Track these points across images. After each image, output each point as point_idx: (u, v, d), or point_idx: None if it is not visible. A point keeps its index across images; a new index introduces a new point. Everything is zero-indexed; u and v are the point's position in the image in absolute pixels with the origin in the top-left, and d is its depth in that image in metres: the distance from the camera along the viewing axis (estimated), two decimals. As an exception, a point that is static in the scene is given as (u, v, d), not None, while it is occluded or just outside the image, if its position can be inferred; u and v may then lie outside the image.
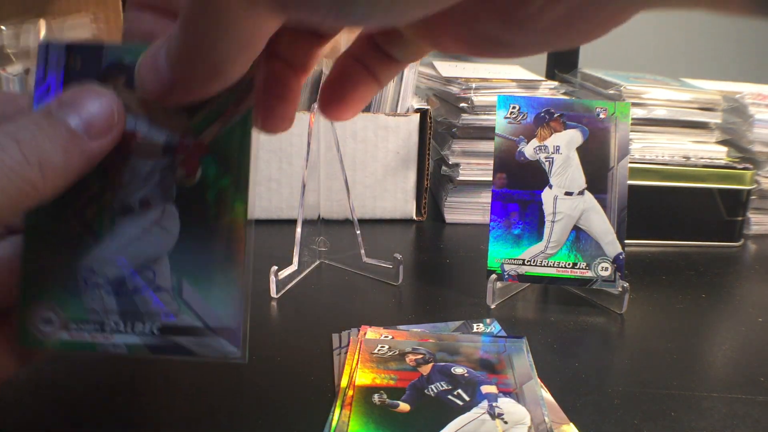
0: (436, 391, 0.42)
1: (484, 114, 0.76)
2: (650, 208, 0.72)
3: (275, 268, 0.56)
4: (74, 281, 0.31)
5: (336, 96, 0.32)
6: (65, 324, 0.31)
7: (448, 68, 0.88)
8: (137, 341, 0.31)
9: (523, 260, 0.56)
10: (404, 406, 0.40)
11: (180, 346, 0.31)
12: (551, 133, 0.56)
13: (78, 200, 0.31)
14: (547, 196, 0.56)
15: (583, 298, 0.58)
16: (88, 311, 0.31)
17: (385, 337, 0.48)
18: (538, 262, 0.56)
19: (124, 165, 0.31)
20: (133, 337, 0.31)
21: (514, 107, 0.57)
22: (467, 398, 0.41)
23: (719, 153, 0.77)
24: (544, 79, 0.82)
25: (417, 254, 0.70)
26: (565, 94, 0.84)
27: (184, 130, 0.31)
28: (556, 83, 0.82)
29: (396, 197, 0.78)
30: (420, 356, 0.45)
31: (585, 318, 0.55)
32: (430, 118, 0.76)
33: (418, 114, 0.76)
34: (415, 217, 0.79)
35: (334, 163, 0.60)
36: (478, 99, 0.76)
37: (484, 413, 0.40)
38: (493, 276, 0.56)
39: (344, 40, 0.83)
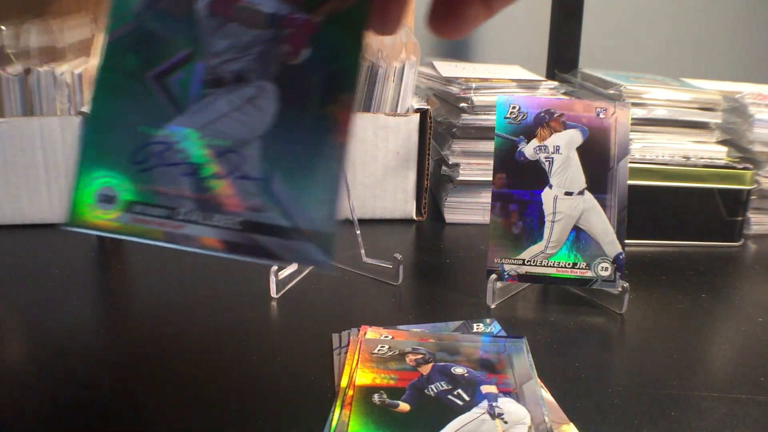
0: (436, 391, 0.42)
1: (484, 114, 0.76)
2: (650, 208, 0.72)
3: (275, 268, 0.56)
4: (146, 155, 0.27)
5: (449, 11, 0.29)
6: (129, 205, 0.27)
7: (448, 68, 0.88)
8: (212, 235, 0.27)
9: (523, 260, 0.56)
10: (404, 406, 0.40)
11: (261, 247, 0.27)
12: (551, 133, 0.56)
13: (163, 61, 0.27)
14: (547, 196, 0.56)
15: (583, 298, 0.58)
16: (157, 193, 0.27)
17: (385, 337, 0.48)
18: (538, 262, 0.56)
19: (222, 30, 0.27)
20: (208, 230, 0.27)
21: (514, 107, 0.57)
22: (467, 398, 0.41)
23: (719, 153, 0.77)
24: (544, 79, 0.82)
25: (417, 254, 0.70)
26: (565, 94, 0.84)
27: (296, 2, 0.27)
28: (556, 83, 0.82)
29: (396, 197, 0.78)
30: (420, 356, 0.45)
31: (585, 318, 0.55)
32: (430, 118, 0.76)
33: (418, 114, 0.76)
34: (415, 217, 0.79)
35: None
36: (478, 99, 0.76)
37: (484, 413, 0.40)
38: (493, 276, 0.56)
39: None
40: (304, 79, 0.27)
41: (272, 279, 0.56)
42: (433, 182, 0.85)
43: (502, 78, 0.81)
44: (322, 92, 0.27)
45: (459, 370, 0.44)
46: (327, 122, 0.27)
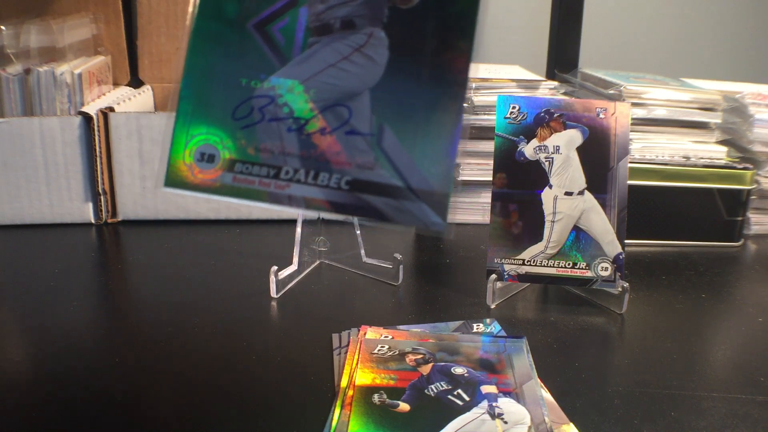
0: (436, 391, 0.42)
1: (484, 114, 0.76)
2: (650, 208, 0.72)
3: (275, 268, 0.56)
4: (248, 110, 0.25)
5: None
6: (230, 164, 0.25)
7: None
8: (318, 195, 0.25)
9: (523, 260, 0.56)
10: (404, 406, 0.40)
11: (371, 207, 0.25)
12: (551, 133, 0.56)
13: (265, 7, 0.25)
14: (547, 196, 0.56)
15: (583, 298, 0.58)
16: (260, 151, 0.25)
17: (385, 337, 0.48)
18: (538, 262, 0.56)
19: None
20: (313, 190, 0.25)
21: (514, 107, 0.57)
22: (467, 398, 0.41)
23: (719, 153, 0.77)
24: (544, 79, 0.82)
25: (417, 254, 0.70)
26: (565, 94, 0.83)
27: None
28: (556, 83, 0.82)
29: (396, 197, 0.78)
30: (420, 356, 0.45)
31: (585, 318, 0.55)
32: (430, 118, 0.76)
33: (418, 114, 0.76)
34: (415, 217, 0.79)
35: (335, 163, 0.60)
36: (478, 99, 0.75)
37: (484, 413, 0.40)
38: (493, 276, 0.56)
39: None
40: (417, 24, 0.25)
41: (272, 279, 0.56)
42: (433, 182, 0.85)
43: (502, 78, 0.81)
44: (436, 39, 0.25)
45: (459, 370, 0.44)
46: (443, 72, 0.25)
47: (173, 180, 0.26)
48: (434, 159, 0.25)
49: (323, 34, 0.25)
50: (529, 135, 0.56)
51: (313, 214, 0.62)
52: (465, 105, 0.25)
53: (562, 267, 0.56)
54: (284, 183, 0.25)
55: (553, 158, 0.56)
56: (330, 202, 0.25)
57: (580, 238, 0.56)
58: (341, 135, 0.25)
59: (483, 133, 0.76)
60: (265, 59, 0.25)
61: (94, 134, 0.71)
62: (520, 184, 0.56)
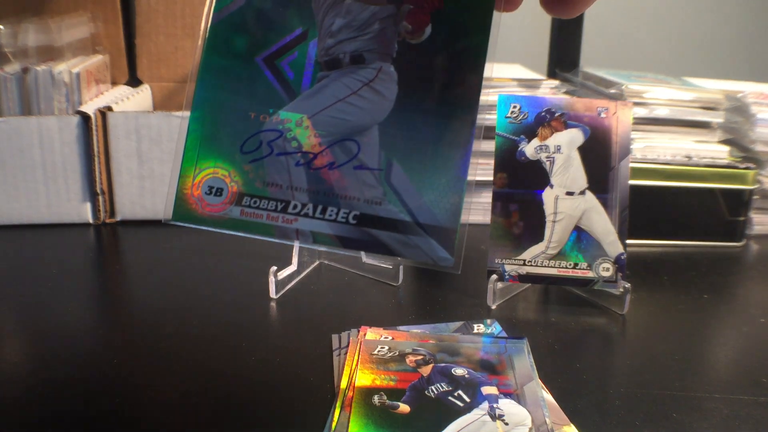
0: (436, 392, 0.41)
1: (485, 113, 0.75)
2: (652, 208, 0.72)
3: (274, 268, 0.56)
4: (256, 144, 0.25)
5: None
6: (238, 197, 0.25)
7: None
8: (326, 230, 0.25)
9: (524, 260, 0.56)
10: (404, 408, 0.40)
11: (379, 242, 0.25)
12: (552, 133, 0.56)
13: (274, 42, 0.25)
14: (548, 195, 0.56)
15: (584, 299, 0.58)
16: (268, 185, 0.25)
17: (385, 338, 0.48)
18: (539, 262, 0.56)
19: (338, 8, 0.25)
20: (322, 224, 0.25)
21: (514, 106, 0.56)
22: (468, 399, 0.41)
23: (721, 152, 0.76)
24: (545, 78, 0.82)
25: (417, 254, 0.70)
26: (566, 93, 0.83)
27: None
28: (557, 82, 0.81)
29: (396, 197, 0.78)
30: (420, 357, 0.45)
31: (586, 319, 0.55)
32: (431, 117, 0.76)
33: (419, 113, 0.76)
34: (415, 216, 0.79)
35: (334, 163, 0.60)
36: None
37: (484, 414, 0.39)
38: (494, 276, 0.56)
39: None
40: (426, 59, 0.25)
41: (271, 279, 0.56)
42: (434, 182, 0.85)
43: (503, 77, 0.80)
44: (446, 74, 0.25)
45: (459, 371, 0.44)
46: (452, 107, 0.25)
47: (181, 214, 0.26)
48: (442, 194, 0.25)
49: (332, 69, 0.25)
50: (530, 134, 0.56)
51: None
52: (473, 141, 0.25)
53: (563, 267, 0.56)
54: (292, 217, 0.25)
55: (554, 158, 0.56)
56: (338, 237, 0.25)
57: (581, 238, 0.55)
58: (349, 170, 0.25)
59: (483, 132, 0.76)
60: (274, 93, 0.25)
61: (92, 134, 0.71)
62: (520, 184, 0.56)
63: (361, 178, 0.25)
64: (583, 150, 0.56)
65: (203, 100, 0.25)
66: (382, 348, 0.46)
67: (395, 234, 0.25)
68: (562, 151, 0.56)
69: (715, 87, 0.82)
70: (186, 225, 0.26)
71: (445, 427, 0.38)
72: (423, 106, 0.25)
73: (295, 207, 0.25)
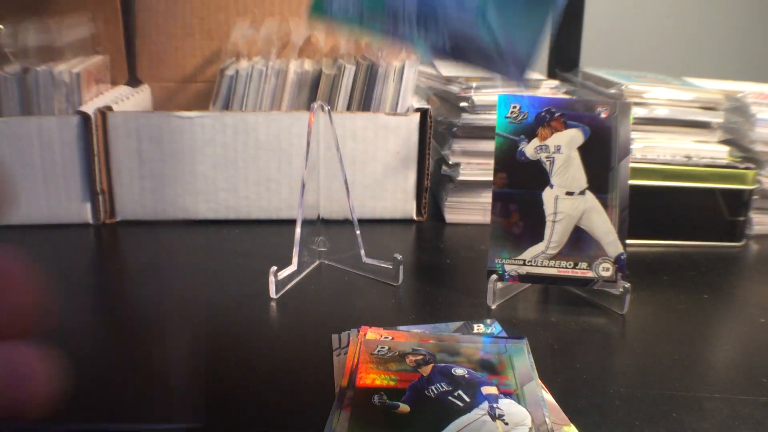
0: (436, 392, 0.41)
1: (485, 113, 0.75)
2: (652, 208, 0.72)
3: (275, 268, 0.56)
4: None
5: None
6: (359, 6, 0.29)
7: (448, 67, 0.87)
8: (423, 42, 0.29)
9: (524, 260, 0.56)
10: (404, 407, 0.40)
11: (468, 55, 0.29)
12: (552, 133, 0.56)
13: None
14: (547, 195, 0.56)
15: (584, 299, 0.58)
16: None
17: (385, 338, 0.48)
18: (539, 262, 0.56)
19: None
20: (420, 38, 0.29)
21: (514, 106, 0.56)
22: (468, 399, 0.41)
23: (721, 153, 0.76)
24: (545, 78, 0.82)
25: (417, 254, 0.70)
26: (566, 93, 0.83)
27: None
28: (557, 82, 0.81)
29: (396, 197, 0.78)
30: (420, 357, 0.45)
31: (586, 319, 0.55)
32: (431, 117, 0.76)
33: (419, 113, 0.76)
34: (415, 217, 0.79)
35: (334, 163, 0.60)
36: (479, 98, 0.75)
37: (484, 414, 0.39)
38: (494, 276, 0.56)
39: (344, 41, 0.83)
40: None
41: (271, 279, 0.56)
42: (434, 182, 0.85)
43: (503, 77, 0.80)
44: None
45: (459, 371, 0.44)
46: None
47: (318, 10, 0.30)
48: (527, 28, 0.28)
49: None
50: (530, 134, 0.56)
51: (312, 214, 0.62)
52: None
53: (563, 267, 0.56)
54: (398, 26, 0.29)
55: (554, 158, 0.56)
56: (433, 47, 0.29)
57: (581, 238, 0.55)
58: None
59: (483, 132, 0.76)
60: None
61: (92, 134, 0.71)
62: (520, 184, 0.56)
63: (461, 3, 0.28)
64: (583, 150, 0.56)
65: None
66: (382, 348, 0.46)
67: (481, 54, 0.28)
68: (562, 151, 0.56)
69: (715, 87, 0.82)
70: (320, 19, 0.30)
71: (445, 426, 0.38)
72: None
73: (403, 19, 0.29)
